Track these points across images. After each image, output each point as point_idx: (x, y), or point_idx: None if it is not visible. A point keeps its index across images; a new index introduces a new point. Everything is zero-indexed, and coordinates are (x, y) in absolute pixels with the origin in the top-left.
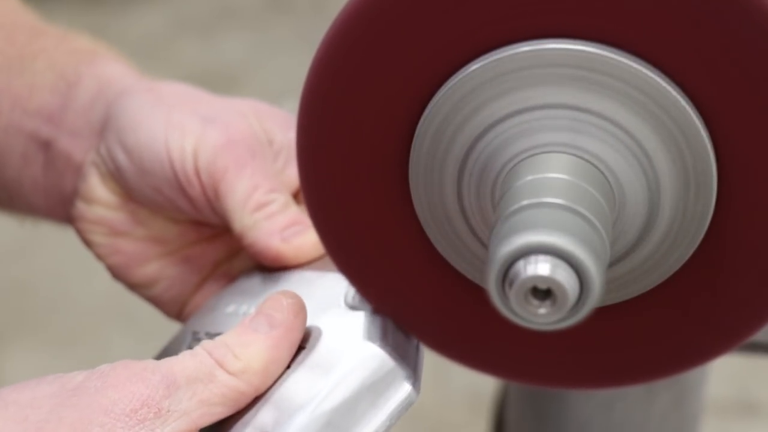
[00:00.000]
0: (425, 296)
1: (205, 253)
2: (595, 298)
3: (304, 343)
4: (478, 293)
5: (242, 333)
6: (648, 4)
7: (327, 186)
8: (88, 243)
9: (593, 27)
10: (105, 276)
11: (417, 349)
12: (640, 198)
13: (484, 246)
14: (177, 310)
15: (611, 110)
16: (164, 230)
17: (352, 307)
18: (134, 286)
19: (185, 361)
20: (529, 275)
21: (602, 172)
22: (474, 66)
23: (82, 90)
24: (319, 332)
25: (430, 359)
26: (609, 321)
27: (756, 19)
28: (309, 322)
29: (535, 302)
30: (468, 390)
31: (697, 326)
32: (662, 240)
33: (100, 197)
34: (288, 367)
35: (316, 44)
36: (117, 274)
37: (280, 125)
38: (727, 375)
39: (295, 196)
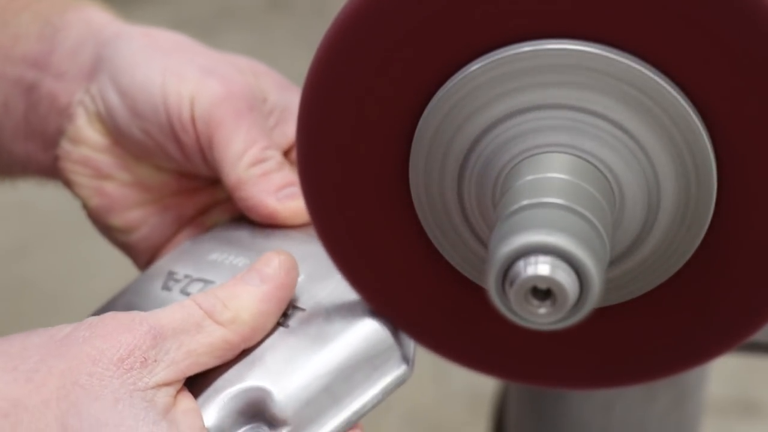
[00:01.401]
0: (425, 296)
1: (184, 205)
2: (594, 298)
3: (297, 302)
4: (478, 293)
5: (233, 285)
6: (648, 4)
7: (327, 186)
8: (70, 183)
9: (593, 27)
10: (105, 276)
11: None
12: (640, 198)
13: (485, 246)
14: (148, 258)
15: (611, 110)
16: (148, 177)
17: None
18: (112, 230)
19: (174, 313)
20: (529, 275)
21: (602, 172)
22: (474, 66)
23: (69, 33)
24: (318, 298)
25: (430, 359)
26: (609, 321)
27: (755, 19)
28: (304, 285)
29: (535, 302)
30: (468, 390)
31: (697, 326)
32: (662, 240)
33: (87, 138)
34: (278, 324)
35: (316, 44)
36: (96, 216)
37: (275, 85)
38: (727, 375)
39: (286, 155)
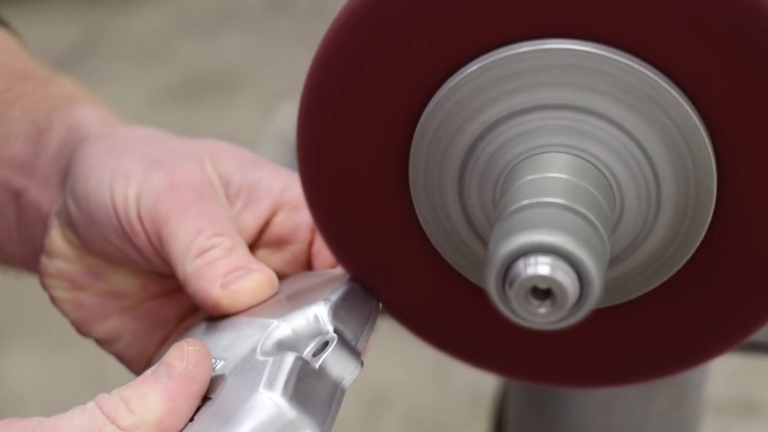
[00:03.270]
0: (426, 296)
1: (167, 307)
2: (595, 298)
3: (210, 393)
4: (478, 293)
5: (140, 384)
6: (648, 4)
7: (327, 186)
8: (53, 299)
9: (593, 27)
10: None
11: (332, 397)
12: (640, 198)
13: (485, 245)
14: (141, 367)
15: (611, 110)
16: (124, 283)
17: (264, 354)
18: (99, 342)
19: (73, 419)
20: (529, 275)
21: (602, 172)
22: (474, 66)
23: (51, 137)
24: (225, 381)
25: (431, 359)
26: (609, 321)
27: (755, 19)
28: (224, 371)
29: (535, 302)
30: (468, 390)
31: (697, 326)
32: (662, 240)
33: (59, 250)
34: (191, 419)
35: (315, 44)
36: (81, 329)
37: (240, 164)
38: (727, 375)
39: (261, 234)
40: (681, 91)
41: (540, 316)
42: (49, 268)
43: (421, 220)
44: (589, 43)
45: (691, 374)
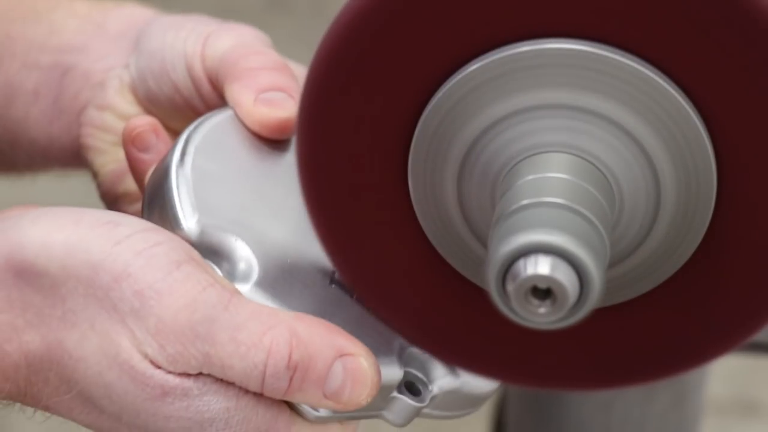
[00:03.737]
0: (425, 296)
1: None
2: (595, 298)
3: None
4: (478, 294)
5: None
6: (648, 4)
7: (326, 187)
8: (88, 149)
9: (593, 27)
10: None
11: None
12: (640, 198)
13: (485, 246)
14: None
15: (611, 110)
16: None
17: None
18: (123, 199)
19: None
20: (529, 274)
21: (602, 172)
22: (474, 66)
23: (111, 25)
24: None
25: None
26: (609, 321)
27: (755, 19)
28: None
29: (535, 301)
30: None
31: (698, 326)
32: (663, 240)
33: (115, 105)
34: None
35: (315, 44)
36: (110, 184)
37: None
38: (727, 375)
39: None
40: (681, 91)
41: (540, 316)
42: (96, 120)
43: (420, 221)
44: (589, 43)
45: (691, 374)
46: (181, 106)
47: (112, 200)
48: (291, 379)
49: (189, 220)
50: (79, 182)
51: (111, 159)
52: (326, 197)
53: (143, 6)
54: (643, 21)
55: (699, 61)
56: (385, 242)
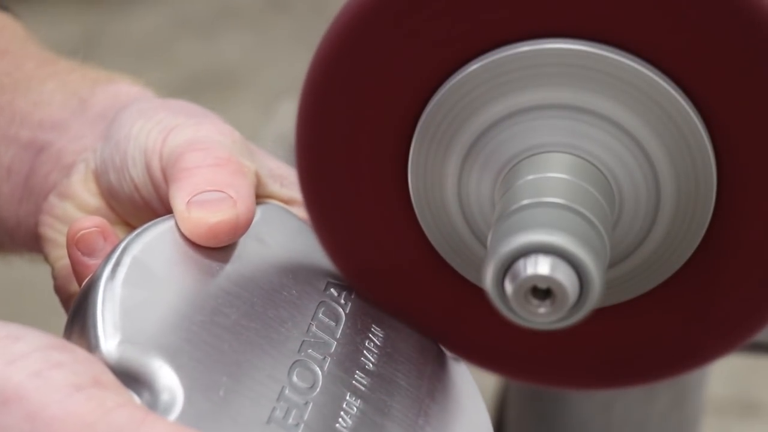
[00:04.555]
0: (425, 297)
1: None
2: (595, 298)
3: None
4: (478, 294)
5: None
6: (648, 4)
7: (326, 187)
8: (44, 238)
9: (593, 27)
10: None
11: None
12: (640, 198)
13: (484, 246)
14: None
15: (611, 110)
16: None
17: None
18: (73, 298)
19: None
20: (529, 274)
21: (602, 172)
22: (473, 66)
23: (96, 104)
24: None
25: None
26: (609, 322)
27: (755, 18)
28: None
29: (535, 302)
30: None
31: (698, 327)
32: (663, 240)
33: (76, 195)
34: None
35: (315, 44)
36: (62, 279)
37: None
38: (727, 375)
39: None
40: (681, 91)
41: (540, 316)
42: (56, 209)
43: (420, 221)
44: (589, 43)
45: (691, 374)
46: (141, 205)
47: (66, 298)
48: None
49: (109, 341)
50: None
51: (65, 254)
52: (326, 197)
53: (134, 83)
54: (643, 21)
55: (699, 61)
56: (385, 242)
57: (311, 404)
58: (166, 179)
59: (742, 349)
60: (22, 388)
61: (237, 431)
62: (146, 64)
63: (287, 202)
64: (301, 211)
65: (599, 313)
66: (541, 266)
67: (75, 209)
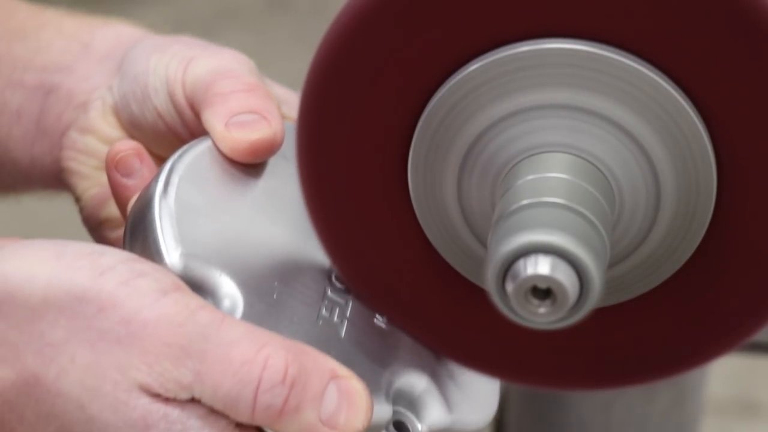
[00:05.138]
0: (425, 297)
1: None
2: (595, 298)
3: None
4: (478, 294)
5: None
6: (648, 4)
7: (327, 187)
8: (70, 173)
9: (593, 27)
10: None
11: None
12: (640, 198)
13: (484, 246)
14: None
15: (611, 110)
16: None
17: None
18: (104, 225)
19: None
20: (529, 274)
21: (602, 172)
22: (473, 66)
23: (99, 46)
24: None
25: None
26: (609, 322)
27: (755, 18)
28: None
29: (535, 301)
30: None
31: (698, 326)
32: (663, 240)
33: (97, 128)
34: None
35: (316, 44)
36: (91, 209)
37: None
38: (727, 375)
39: None
40: (681, 91)
41: (540, 316)
42: (78, 143)
43: (420, 221)
44: (589, 43)
45: (691, 374)
46: (165, 132)
47: (95, 225)
48: (287, 398)
49: (172, 254)
50: (64, 203)
51: (93, 183)
52: (326, 197)
53: (131, 25)
54: (643, 21)
55: (699, 61)
56: (385, 242)
57: (351, 303)
58: (194, 106)
59: (742, 349)
60: (114, 296)
61: (293, 330)
62: None
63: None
64: None
65: (599, 313)
66: (541, 266)
67: (97, 142)
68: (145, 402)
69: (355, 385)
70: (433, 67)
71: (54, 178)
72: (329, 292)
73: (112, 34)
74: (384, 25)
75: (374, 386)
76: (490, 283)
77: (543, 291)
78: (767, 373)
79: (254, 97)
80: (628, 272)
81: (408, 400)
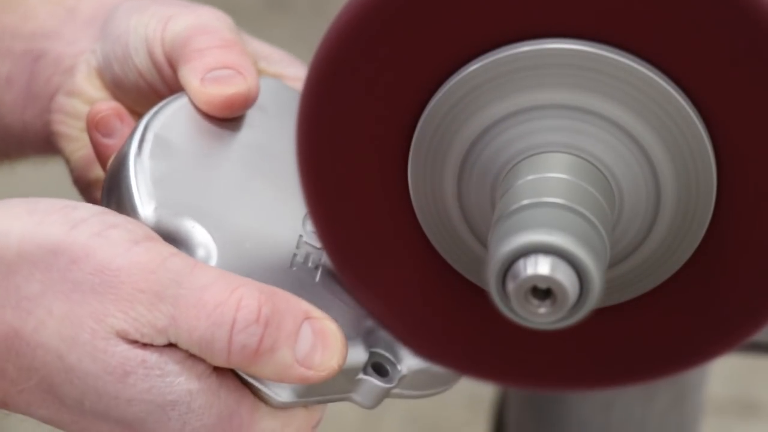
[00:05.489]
0: (425, 297)
1: None
2: (595, 298)
3: None
4: (478, 294)
5: None
6: (648, 4)
7: (327, 187)
8: (59, 136)
9: (593, 27)
10: None
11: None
12: (640, 198)
13: (484, 246)
14: None
15: (611, 110)
16: None
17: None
18: (93, 185)
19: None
20: (529, 274)
21: (602, 172)
22: (473, 66)
23: (83, 10)
24: None
25: None
26: (609, 321)
27: (755, 19)
28: None
29: (535, 302)
30: (468, 390)
31: (698, 326)
32: (663, 240)
33: (83, 91)
34: None
35: (315, 44)
36: (81, 170)
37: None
38: (727, 375)
39: None
40: (681, 91)
41: (540, 316)
42: (65, 106)
43: (420, 221)
44: (589, 43)
45: (691, 374)
46: (146, 90)
47: (85, 186)
48: (261, 337)
49: (146, 207)
50: (58, 169)
51: (81, 145)
52: (326, 196)
53: None
54: (643, 21)
55: (699, 61)
56: (385, 242)
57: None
58: (172, 63)
59: (742, 349)
60: (87, 246)
61: (267, 276)
62: None
63: (275, 77)
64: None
65: (599, 313)
66: (541, 266)
67: (83, 104)
68: (123, 349)
69: (329, 325)
70: (432, 67)
71: (46, 143)
72: (303, 239)
73: (96, 2)
74: (384, 25)
75: (349, 329)
76: (490, 283)
77: (543, 291)
78: (767, 373)
79: (230, 53)
80: (628, 272)
81: (385, 342)
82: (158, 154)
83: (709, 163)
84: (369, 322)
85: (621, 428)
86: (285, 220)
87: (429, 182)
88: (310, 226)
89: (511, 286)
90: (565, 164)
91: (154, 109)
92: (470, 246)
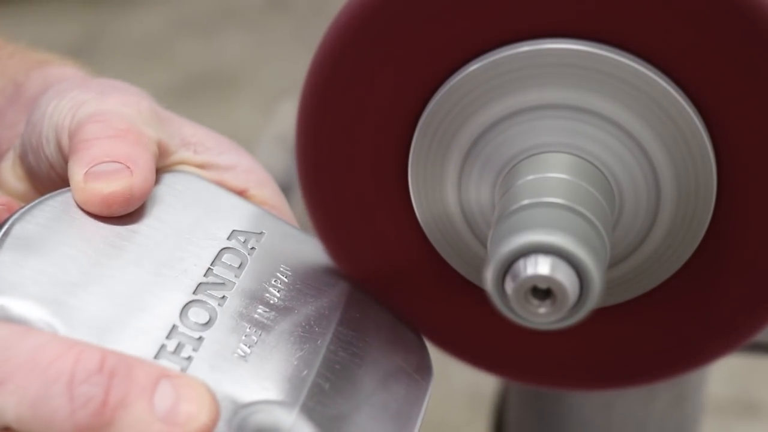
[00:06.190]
0: (425, 297)
1: None
2: (595, 298)
3: None
4: (478, 294)
5: None
6: (648, 4)
7: (326, 187)
8: None
9: (593, 27)
10: None
11: None
12: (640, 198)
13: (484, 246)
14: None
15: (611, 110)
16: None
17: None
18: None
19: None
20: (529, 274)
21: (602, 172)
22: (473, 66)
23: (28, 88)
24: None
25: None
26: (609, 322)
27: (755, 19)
28: None
29: (535, 302)
30: (468, 390)
31: (698, 327)
32: (663, 240)
33: (4, 181)
34: None
35: (315, 44)
36: None
37: (219, 144)
38: (727, 375)
39: None
40: (681, 91)
41: (540, 316)
42: None
43: (420, 221)
44: (589, 43)
45: (692, 374)
46: (59, 183)
47: None
48: (107, 388)
49: None
50: None
51: None
52: (326, 197)
53: (67, 64)
54: (642, 21)
55: (699, 62)
56: (385, 242)
57: (206, 339)
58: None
59: (742, 349)
60: None
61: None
62: (146, 64)
63: (201, 166)
64: (215, 175)
65: (599, 313)
66: (541, 266)
67: (3, 195)
68: None
69: (191, 379)
70: (432, 67)
71: None
72: (179, 329)
73: (41, 77)
74: (384, 25)
75: (223, 422)
76: (489, 284)
77: (543, 291)
78: (767, 373)
79: (121, 143)
80: (628, 272)
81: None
82: (18, 246)
83: (709, 163)
84: (250, 412)
85: (621, 428)
86: (157, 310)
87: (429, 182)
88: (191, 316)
89: (510, 286)
90: (565, 164)
91: (32, 203)
92: (471, 246)
